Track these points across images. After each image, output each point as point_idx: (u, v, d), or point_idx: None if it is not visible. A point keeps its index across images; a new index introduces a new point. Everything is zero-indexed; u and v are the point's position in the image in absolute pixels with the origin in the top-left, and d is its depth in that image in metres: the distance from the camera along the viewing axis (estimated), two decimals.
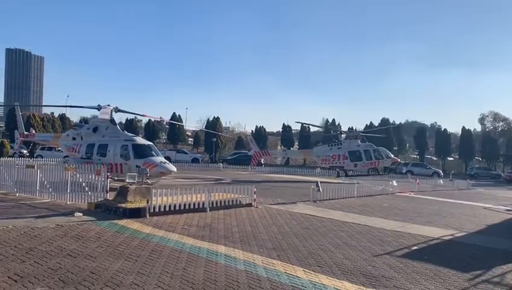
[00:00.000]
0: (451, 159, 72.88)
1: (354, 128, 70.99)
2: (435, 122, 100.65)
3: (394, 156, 62.77)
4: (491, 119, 79.06)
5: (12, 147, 40.53)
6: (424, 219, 14.25)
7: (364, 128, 68.12)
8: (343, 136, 36.13)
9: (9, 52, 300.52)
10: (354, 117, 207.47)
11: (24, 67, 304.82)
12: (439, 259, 8.32)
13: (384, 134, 58.95)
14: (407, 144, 73.56)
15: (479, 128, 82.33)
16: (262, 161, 54.25)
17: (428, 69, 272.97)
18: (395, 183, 24.18)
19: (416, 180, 28.37)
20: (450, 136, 69.04)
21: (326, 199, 17.67)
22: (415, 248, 9.45)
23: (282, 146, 41.21)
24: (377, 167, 34.47)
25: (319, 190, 17.24)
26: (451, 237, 11.08)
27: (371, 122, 66.96)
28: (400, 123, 73.18)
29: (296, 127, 72.88)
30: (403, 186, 25.68)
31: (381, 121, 64.92)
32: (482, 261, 8.49)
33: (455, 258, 8.62)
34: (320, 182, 18.23)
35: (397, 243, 9.82)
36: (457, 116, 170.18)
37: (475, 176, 52.83)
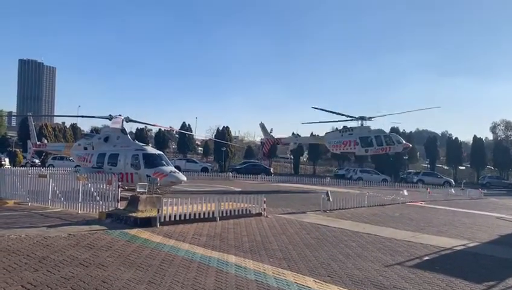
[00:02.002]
0: (463, 168, 72.09)
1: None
2: (446, 131, 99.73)
3: (404, 165, 62.79)
4: (503, 128, 78.36)
5: (24, 157, 40.99)
6: (435, 228, 14.12)
7: None
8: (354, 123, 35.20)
9: (22, 63, 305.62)
10: None
11: (36, 78, 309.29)
12: (451, 269, 8.25)
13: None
14: (418, 153, 72.91)
15: (490, 137, 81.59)
16: (272, 170, 54.48)
17: (438, 77, 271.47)
18: (405, 193, 23.99)
19: (427, 189, 28.15)
20: (461, 145, 68.37)
21: (336, 209, 17.60)
22: (427, 258, 9.37)
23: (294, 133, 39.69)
24: (388, 152, 34.18)
25: (329, 199, 17.18)
26: (464, 247, 10.98)
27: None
28: (411, 132, 72.60)
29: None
30: (414, 195, 25.48)
31: (391, 130, 64.36)
32: (495, 271, 8.39)
33: (467, 268, 8.53)
34: (330, 191, 18.18)
35: (408, 253, 9.75)
36: (469, 125, 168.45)
37: (487, 185, 52.27)
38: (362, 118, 33.58)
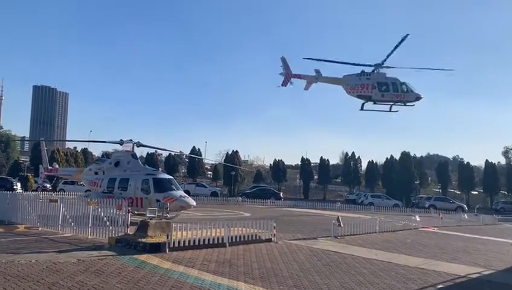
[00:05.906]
0: (475, 193, 71.04)
1: (375, 162, 70.47)
2: (457, 156, 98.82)
3: (416, 190, 62.13)
4: None
5: (36, 181, 41.39)
6: (449, 255, 13.84)
7: (385, 162, 67.38)
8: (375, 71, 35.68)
9: (36, 89, 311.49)
10: (374, 150, 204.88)
11: (49, 104, 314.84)
12: None
13: (405, 167, 58.33)
14: (429, 178, 72.20)
15: (503, 161, 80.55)
16: (281, 195, 54.23)
17: (449, 100, 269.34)
18: (418, 218, 23.65)
19: (439, 215, 27.70)
20: (473, 170, 67.57)
21: (347, 235, 17.35)
22: (441, 286, 9.16)
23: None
24: (402, 99, 34.53)
25: (340, 225, 16.97)
26: (478, 274, 10.72)
27: (391, 155, 66.27)
28: (421, 156, 72.22)
29: (315, 160, 72.66)
30: (426, 221, 25.09)
31: (402, 154, 64.01)
32: None
33: None
34: (341, 216, 17.98)
35: (422, 280, 9.55)
36: (480, 149, 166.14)
37: (501, 211, 51.25)
38: (378, 65, 34.12)
